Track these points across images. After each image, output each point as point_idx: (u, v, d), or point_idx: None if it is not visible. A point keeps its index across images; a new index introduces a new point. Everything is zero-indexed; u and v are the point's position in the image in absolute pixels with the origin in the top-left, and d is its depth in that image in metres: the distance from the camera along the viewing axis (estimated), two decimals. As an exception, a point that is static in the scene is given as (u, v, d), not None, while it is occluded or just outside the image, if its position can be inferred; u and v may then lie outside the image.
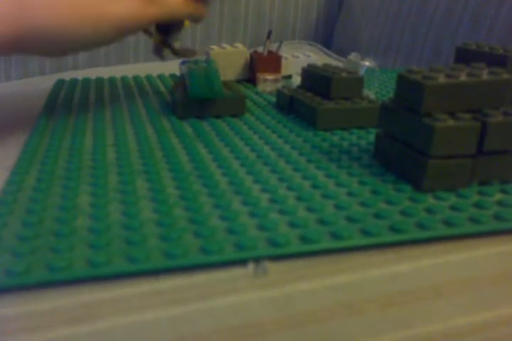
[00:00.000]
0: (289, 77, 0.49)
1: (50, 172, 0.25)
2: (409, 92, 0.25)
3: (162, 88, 0.47)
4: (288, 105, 0.38)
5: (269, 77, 0.46)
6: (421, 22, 0.62)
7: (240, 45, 0.50)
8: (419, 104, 0.24)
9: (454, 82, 0.24)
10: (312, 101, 0.34)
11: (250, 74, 0.50)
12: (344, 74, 0.34)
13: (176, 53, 0.41)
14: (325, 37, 0.88)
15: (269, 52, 0.49)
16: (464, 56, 0.38)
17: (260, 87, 0.46)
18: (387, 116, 0.27)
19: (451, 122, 0.23)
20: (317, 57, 0.60)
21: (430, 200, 0.23)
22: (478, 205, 0.22)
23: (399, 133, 0.26)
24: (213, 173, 0.25)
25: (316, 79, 0.36)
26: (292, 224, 0.20)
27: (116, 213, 0.21)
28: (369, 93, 0.44)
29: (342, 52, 0.79)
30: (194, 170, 0.26)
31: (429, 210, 0.22)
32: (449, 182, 0.24)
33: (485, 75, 0.25)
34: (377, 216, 0.21)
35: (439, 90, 0.24)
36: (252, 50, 0.50)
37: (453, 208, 0.22)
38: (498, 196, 0.24)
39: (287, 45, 0.80)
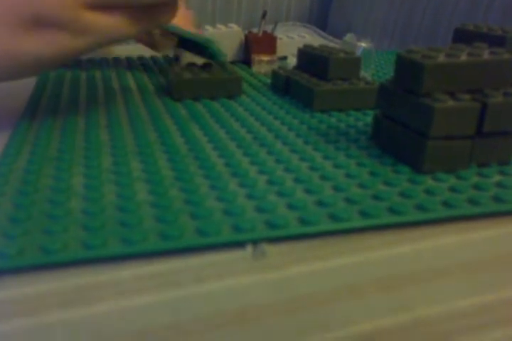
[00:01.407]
0: (284, 58, 0.48)
1: (42, 153, 0.25)
2: (409, 72, 0.24)
3: (155, 69, 0.46)
4: (284, 86, 0.37)
5: (264, 58, 0.46)
6: (417, 3, 0.62)
7: (234, 26, 0.49)
8: (418, 84, 0.23)
9: (455, 61, 0.23)
10: (309, 83, 0.34)
11: (245, 56, 0.49)
12: (341, 55, 0.34)
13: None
14: (320, 19, 0.87)
15: (264, 32, 0.48)
16: (462, 37, 0.37)
17: (255, 68, 0.45)
18: (385, 97, 0.26)
19: (450, 103, 0.23)
20: (312, 38, 0.59)
21: (429, 182, 0.23)
22: (477, 187, 0.22)
23: (397, 114, 0.25)
24: (209, 155, 0.25)
25: (312, 60, 0.36)
26: (290, 206, 0.20)
27: (111, 194, 0.21)
28: (366, 75, 0.43)
29: (337, 34, 0.78)
30: (189, 151, 0.25)
31: (429, 192, 0.22)
32: (448, 163, 0.24)
33: (486, 55, 0.24)
34: (376, 197, 0.21)
35: (438, 70, 0.23)
36: (246, 31, 0.50)
37: (452, 190, 0.22)
38: (497, 177, 0.24)
39: (282, 26, 0.79)
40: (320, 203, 0.20)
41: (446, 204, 0.21)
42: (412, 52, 0.25)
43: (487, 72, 0.24)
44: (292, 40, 0.50)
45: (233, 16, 0.80)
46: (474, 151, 0.24)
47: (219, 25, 0.49)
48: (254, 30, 0.49)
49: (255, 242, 0.18)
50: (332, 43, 0.69)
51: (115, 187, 0.21)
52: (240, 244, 0.18)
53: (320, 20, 0.87)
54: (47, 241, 0.17)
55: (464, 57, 0.24)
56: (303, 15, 0.86)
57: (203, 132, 0.29)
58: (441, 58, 0.23)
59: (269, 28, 0.49)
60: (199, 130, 0.29)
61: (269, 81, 0.41)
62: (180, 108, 0.33)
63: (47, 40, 0.24)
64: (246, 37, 0.48)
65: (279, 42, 0.48)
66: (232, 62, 0.48)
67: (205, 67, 0.38)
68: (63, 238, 0.17)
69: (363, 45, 0.44)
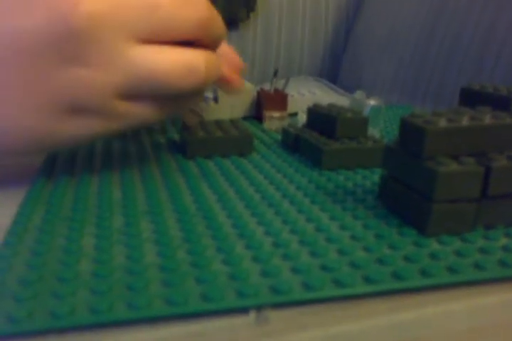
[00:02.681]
0: (295, 114, 0.50)
1: (56, 212, 0.25)
2: (412, 136, 0.25)
3: (170, 125, 0.47)
4: (293, 144, 0.38)
5: (276, 114, 0.47)
6: (425, 60, 0.63)
7: (247, 83, 0.51)
8: (421, 148, 0.24)
9: (456, 126, 0.24)
10: (317, 141, 0.35)
11: (257, 112, 0.50)
12: (349, 115, 0.35)
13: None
14: (331, 73, 0.90)
15: (276, 90, 0.50)
16: (468, 96, 0.39)
17: (266, 125, 0.46)
18: (391, 158, 0.27)
19: (454, 166, 0.23)
20: (323, 93, 0.61)
21: (434, 245, 0.23)
22: (483, 250, 0.22)
23: (402, 176, 0.26)
24: (217, 215, 0.26)
25: (321, 119, 0.37)
26: (295, 270, 0.20)
27: (120, 256, 0.21)
28: (374, 131, 0.44)
29: (348, 88, 0.80)
30: (198, 211, 0.26)
31: (433, 256, 0.22)
32: (453, 226, 0.24)
33: (488, 119, 0.25)
34: (381, 262, 0.21)
35: (440, 135, 0.24)
36: (259, 87, 0.51)
37: (457, 253, 0.22)
38: (504, 240, 0.24)
39: (294, 81, 0.81)
40: (324, 267, 0.20)
41: (450, 269, 0.21)
42: (415, 116, 0.25)
43: (489, 136, 0.25)
44: (303, 96, 0.52)
45: (246, 72, 0.83)
46: (480, 214, 0.24)
47: (232, 82, 0.51)
48: (266, 86, 0.51)
49: (259, 308, 0.18)
50: (343, 97, 0.71)
51: (125, 249, 0.22)
52: (243, 310, 0.18)
53: (331, 74, 0.90)
54: (55, 305, 0.17)
55: (465, 122, 0.24)
56: (315, 69, 0.89)
57: (213, 191, 0.29)
58: (443, 123, 0.24)
59: (280, 83, 0.51)
60: (209, 189, 0.30)
61: (279, 137, 0.42)
62: (192, 166, 0.34)
63: (84, 124, 0.26)
64: (258, 93, 0.50)
65: (290, 99, 0.49)
66: (244, 118, 0.50)
67: (218, 123, 0.39)
68: (71, 302, 0.18)
69: (372, 102, 0.45)
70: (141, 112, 0.27)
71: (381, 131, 0.45)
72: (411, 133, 0.25)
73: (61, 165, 0.33)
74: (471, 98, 0.38)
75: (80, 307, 0.17)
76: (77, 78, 0.24)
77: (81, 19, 0.23)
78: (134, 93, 0.26)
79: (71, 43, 0.23)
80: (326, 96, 0.58)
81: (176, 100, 0.28)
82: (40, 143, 0.26)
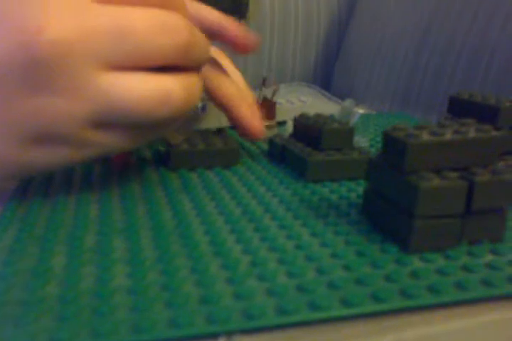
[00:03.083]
0: (284, 122, 0.49)
1: (29, 231, 0.25)
2: (394, 150, 0.24)
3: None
4: (280, 154, 0.38)
5: (264, 123, 0.46)
6: (416, 68, 0.63)
7: (235, 92, 0.50)
8: (403, 163, 0.23)
9: (438, 140, 0.23)
10: (302, 152, 0.34)
11: (245, 121, 0.50)
12: (335, 125, 0.34)
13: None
14: (324, 79, 0.89)
15: (264, 98, 0.49)
16: (456, 106, 0.38)
17: (254, 135, 0.46)
18: (374, 172, 0.26)
19: (436, 181, 0.23)
20: (313, 101, 0.60)
21: (416, 263, 0.22)
22: (466, 268, 0.22)
23: (385, 190, 0.25)
24: (195, 231, 0.25)
25: (307, 130, 0.36)
26: (270, 292, 0.19)
27: (89, 278, 0.20)
28: (363, 140, 0.43)
29: (341, 94, 0.79)
30: (176, 227, 0.25)
31: (415, 275, 0.21)
32: (436, 242, 0.23)
33: (472, 133, 0.24)
34: (360, 282, 0.20)
35: (422, 149, 0.23)
36: (247, 97, 0.51)
37: (440, 272, 0.21)
38: (489, 257, 0.23)
39: (286, 87, 0.81)
40: (301, 288, 0.20)
41: (431, 289, 0.20)
42: (398, 129, 0.25)
43: (473, 150, 0.24)
44: (292, 105, 0.51)
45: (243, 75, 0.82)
46: (464, 230, 0.24)
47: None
48: (255, 94, 0.50)
49: (229, 333, 0.18)
50: (335, 104, 0.70)
51: (95, 270, 0.21)
52: (213, 336, 0.17)
53: (325, 81, 0.89)
54: (16, 333, 0.17)
55: (449, 135, 0.24)
56: (307, 76, 0.88)
57: (193, 205, 0.29)
58: (426, 136, 0.23)
59: (270, 92, 0.50)
60: (189, 203, 0.29)
61: (267, 147, 0.42)
62: (174, 178, 0.34)
63: (53, 153, 0.25)
64: (246, 103, 0.49)
65: (278, 108, 0.49)
66: (232, 128, 0.49)
67: (203, 134, 0.38)
68: (32, 329, 0.17)
69: (361, 111, 0.44)
70: (114, 141, 0.25)
71: (370, 140, 0.45)
72: (393, 146, 0.24)
73: (38, 183, 0.33)
74: (459, 107, 0.38)
75: (40, 334, 0.17)
76: (43, 107, 0.23)
77: (44, 48, 0.22)
78: (105, 122, 0.24)
79: (35, 72, 0.22)
80: (316, 104, 0.58)
81: (152, 128, 0.26)
82: (8, 171, 0.25)
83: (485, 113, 0.35)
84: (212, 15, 0.37)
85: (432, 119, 0.59)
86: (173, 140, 0.36)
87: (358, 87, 0.75)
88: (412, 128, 0.25)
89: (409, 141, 0.23)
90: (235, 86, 0.36)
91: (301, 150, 0.35)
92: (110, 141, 0.25)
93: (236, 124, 0.36)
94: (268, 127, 0.46)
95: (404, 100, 0.64)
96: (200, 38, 0.26)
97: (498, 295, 0.20)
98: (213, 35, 0.37)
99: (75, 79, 0.23)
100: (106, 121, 0.24)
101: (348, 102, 0.47)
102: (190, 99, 0.25)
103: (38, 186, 0.32)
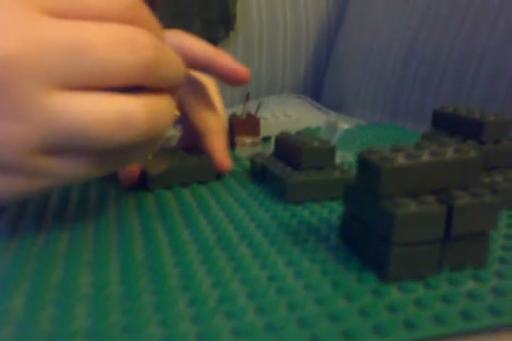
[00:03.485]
0: (269, 138, 0.48)
1: (-8, 266, 0.24)
2: (368, 174, 0.23)
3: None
4: (260, 174, 0.37)
5: (248, 140, 0.45)
6: (404, 78, 0.62)
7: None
8: (378, 187, 0.22)
9: (414, 162, 0.22)
10: (282, 173, 0.33)
11: (229, 138, 0.49)
12: (315, 144, 0.33)
13: None
14: (315, 89, 0.89)
15: (248, 114, 0.48)
16: (441, 119, 0.37)
17: (238, 152, 0.45)
18: (350, 196, 0.25)
19: (413, 207, 0.22)
20: (301, 114, 0.59)
21: (394, 294, 0.21)
22: (445, 299, 0.21)
23: (362, 215, 0.24)
24: (165, 263, 0.24)
25: (287, 148, 0.35)
26: (236, 332, 0.18)
27: (47, 321, 0.19)
28: (348, 155, 0.43)
29: (331, 105, 0.79)
30: (146, 259, 0.24)
31: (391, 308, 0.20)
32: (416, 270, 0.22)
33: (450, 153, 0.23)
34: (333, 318, 0.19)
35: (397, 172, 0.22)
36: (230, 112, 0.50)
37: (418, 303, 0.20)
38: (470, 285, 0.22)
39: (275, 98, 0.80)
40: (269, 327, 0.19)
41: (408, 324, 0.19)
42: (373, 152, 0.24)
43: (451, 172, 0.23)
44: (277, 119, 0.50)
45: (227, 91, 0.82)
46: (444, 256, 0.23)
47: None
48: (238, 112, 0.50)
49: (190, 381, 0.17)
50: (325, 115, 0.69)
51: (55, 311, 0.20)
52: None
53: (315, 91, 0.89)
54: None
55: (425, 157, 0.23)
56: (297, 86, 0.88)
57: (166, 232, 0.28)
58: (401, 159, 0.23)
59: (254, 105, 0.50)
60: (163, 230, 0.28)
61: (249, 165, 0.41)
62: (150, 202, 0.33)
63: (2, 183, 0.23)
64: (229, 120, 0.48)
65: (263, 123, 0.48)
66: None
67: (176, 151, 0.38)
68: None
69: (345, 126, 0.43)
70: (71, 169, 0.23)
71: (355, 156, 0.44)
72: (368, 170, 0.23)
73: (8, 212, 0.32)
74: (444, 121, 0.37)
75: (-11, 388, 0.16)
76: None
77: None
78: (58, 147, 0.22)
79: None
80: (302, 117, 0.57)
81: (115, 154, 0.24)
82: None
83: (469, 127, 0.34)
84: (197, 47, 0.36)
85: (421, 129, 0.58)
86: (151, 171, 0.35)
87: (348, 97, 0.75)
88: (389, 150, 0.24)
89: (383, 165, 0.22)
90: (215, 118, 0.36)
91: (282, 170, 0.34)
92: (67, 169, 0.23)
93: (207, 154, 0.37)
94: (252, 144, 0.45)
95: (394, 110, 0.64)
96: (171, 56, 0.24)
97: (477, 329, 0.19)
98: (199, 67, 0.36)
99: (23, 101, 0.20)
100: (60, 147, 0.22)
101: (332, 117, 0.46)
102: (155, 122, 0.23)
103: (7, 219, 0.31)
